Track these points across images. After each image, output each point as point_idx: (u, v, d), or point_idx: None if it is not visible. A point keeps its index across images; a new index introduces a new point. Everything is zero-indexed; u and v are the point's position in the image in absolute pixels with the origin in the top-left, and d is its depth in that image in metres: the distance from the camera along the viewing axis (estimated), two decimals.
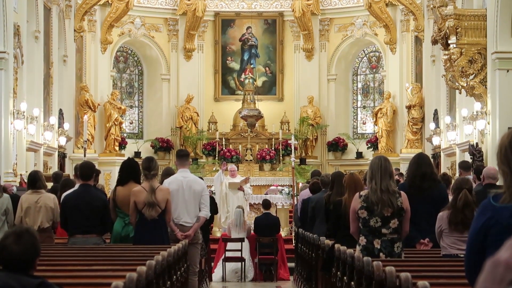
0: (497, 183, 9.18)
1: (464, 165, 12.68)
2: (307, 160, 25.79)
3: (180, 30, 26.80)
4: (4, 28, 16.85)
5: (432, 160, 13.45)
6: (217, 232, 17.02)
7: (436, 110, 22.44)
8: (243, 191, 17.40)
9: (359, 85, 27.59)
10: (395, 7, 24.89)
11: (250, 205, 17.71)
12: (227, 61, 27.40)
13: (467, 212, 6.74)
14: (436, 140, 22.09)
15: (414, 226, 7.27)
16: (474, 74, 16.65)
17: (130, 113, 27.21)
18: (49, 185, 11.25)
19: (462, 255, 6.47)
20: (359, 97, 27.57)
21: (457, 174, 13.67)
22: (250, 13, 27.24)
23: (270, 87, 27.41)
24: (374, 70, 27.27)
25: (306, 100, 26.46)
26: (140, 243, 8.30)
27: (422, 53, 23.54)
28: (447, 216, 6.84)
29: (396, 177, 12.86)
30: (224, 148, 24.78)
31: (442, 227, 6.88)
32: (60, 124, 22.45)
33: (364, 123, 27.40)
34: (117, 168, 10.52)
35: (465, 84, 16.71)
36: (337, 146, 26.54)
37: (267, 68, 27.42)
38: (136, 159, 9.80)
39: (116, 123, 25.10)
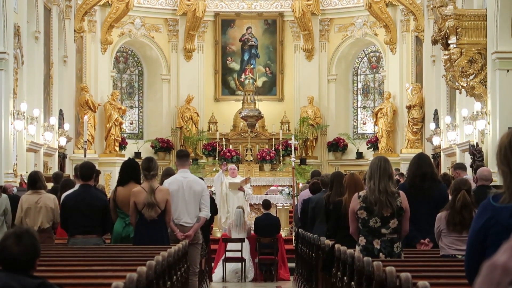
0: (498, 183, 9.18)
1: (459, 166, 12.64)
2: (307, 160, 25.80)
3: (180, 31, 26.80)
4: (4, 28, 16.85)
5: (432, 160, 13.42)
6: (217, 233, 17.00)
7: (436, 110, 22.44)
8: (243, 192, 17.39)
9: (359, 85, 27.58)
10: (395, 7, 24.89)
11: (250, 205, 17.70)
12: (227, 62, 27.40)
13: (465, 213, 6.74)
14: (436, 140, 22.08)
15: (415, 226, 7.27)
16: (474, 74, 16.64)
17: (130, 113, 27.21)
18: (49, 185, 11.26)
19: (460, 256, 6.48)
20: (359, 97, 27.57)
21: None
22: (250, 13, 27.24)
23: (270, 87, 27.40)
24: (374, 70, 27.26)
25: (306, 100, 26.46)
26: (140, 244, 8.29)
27: (422, 53, 23.53)
28: (445, 217, 6.85)
29: (397, 177, 12.87)
30: (224, 149, 24.78)
31: (440, 227, 6.89)
32: (60, 125, 22.45)
33: (364, 123, 27.39)
34: (117, 169, 10.53)
35: (465, 84, 16.70)
36: (337, 146, 26.54)
37: (267, 68, 27.42)
38: (136, 160, 9.79)
39: (116, 123, 25.10)
